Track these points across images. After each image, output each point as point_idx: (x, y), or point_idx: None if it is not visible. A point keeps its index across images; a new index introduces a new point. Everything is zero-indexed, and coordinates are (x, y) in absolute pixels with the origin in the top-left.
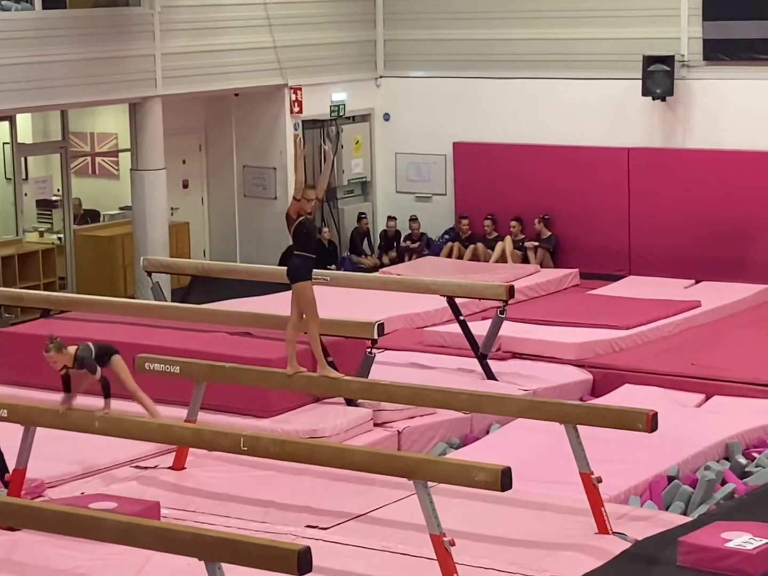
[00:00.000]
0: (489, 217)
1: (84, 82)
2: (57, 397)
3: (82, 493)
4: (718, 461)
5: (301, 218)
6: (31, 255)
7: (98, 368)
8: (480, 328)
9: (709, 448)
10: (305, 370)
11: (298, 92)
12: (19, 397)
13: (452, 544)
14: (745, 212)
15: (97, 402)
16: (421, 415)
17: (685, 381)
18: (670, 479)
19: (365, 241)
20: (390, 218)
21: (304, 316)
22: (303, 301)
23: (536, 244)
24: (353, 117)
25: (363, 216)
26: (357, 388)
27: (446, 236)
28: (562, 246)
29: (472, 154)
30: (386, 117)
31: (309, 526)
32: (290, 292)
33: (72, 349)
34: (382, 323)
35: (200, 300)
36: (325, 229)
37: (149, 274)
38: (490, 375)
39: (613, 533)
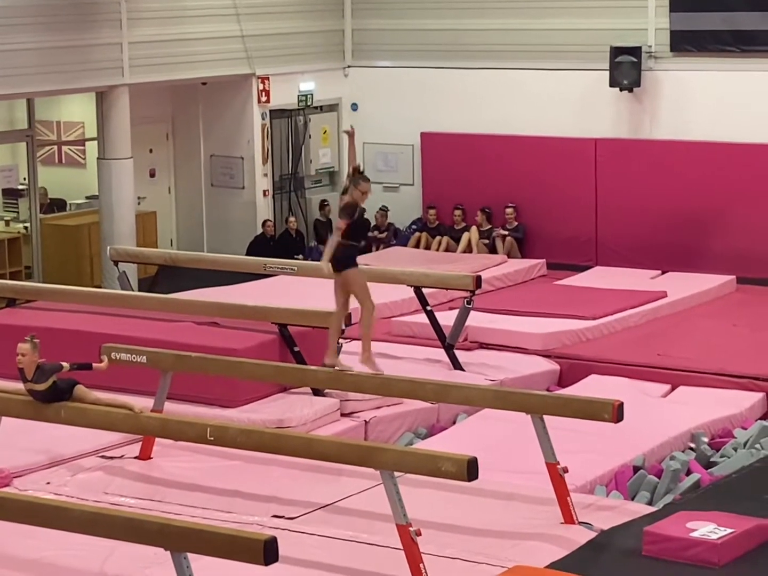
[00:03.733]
0: (458, 207)
1: (50, 70)
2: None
3: (48, 483)
4: (683, 451)
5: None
6: None
7: (64, 364)
8: (447, 319)
9: (675, 438)
10: (342, 366)
11: (266, 82)
12: None
13: (418, 534)
14: (712, 203)
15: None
16: (388, 405)
17: (651, 371)
18: (636, 469)
19: (331, 229)
20: None
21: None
22: (355, 287)
23: (506, 233)
24: (321, 107)
25: (326, 204)
26: (324, 377)
27: (414, 226)
28: (530, 236)
29: (440, 145)
30: (354, 107)
31: (275, 516)
32: (256, 282)
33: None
34: (350, 313)
35: (167, 290)
36: (292, 219)
37: (116, 263)
38: (457, 365)
39: (579, 523)
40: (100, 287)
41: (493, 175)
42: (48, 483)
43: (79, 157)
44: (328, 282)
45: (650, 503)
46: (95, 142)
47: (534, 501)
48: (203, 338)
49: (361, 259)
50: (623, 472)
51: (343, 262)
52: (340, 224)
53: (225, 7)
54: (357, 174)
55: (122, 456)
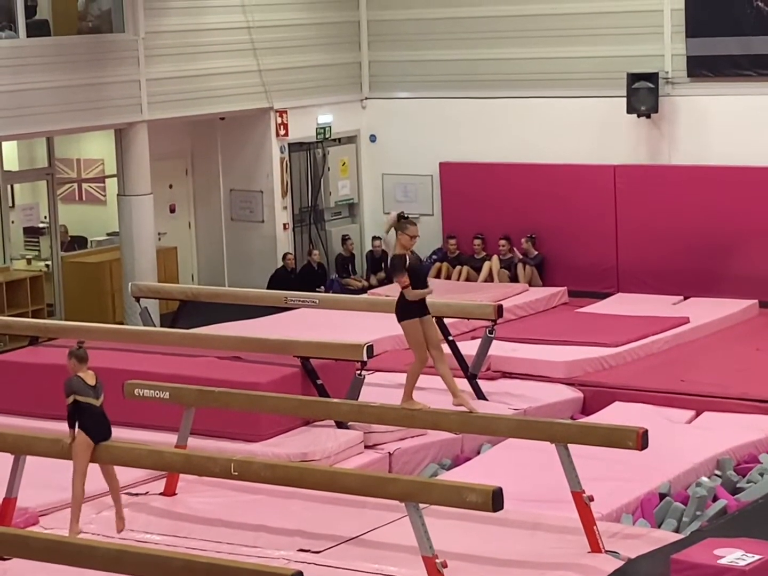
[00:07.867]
0: (478, 236)
1: (69, 108)
2: (46, 425)
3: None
4: (709, 477)
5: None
6: (19, 282)
7: (72, 395)
8: (469, 348)
9: (700, 464)
10: (421, 406)
11: (284, 115)
12: (8, 426)
13: (444, 565)
14: (732, 228)
15: None
16: (412, 437)
17: (675, 397)
18: (662, 496)
19: (353, 263)
20: (375, 238)
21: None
22: (408, 339)
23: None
24: (339, 139)
25: (347, 238)
26: (347, 410)
27: (434, 256)
28: (550, 264)
29: (459, 174)
30: (372, 138)
31: (301, 550)
32: (278, 315)
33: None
34: (371, 345)
35: (189, 325)
36: (315, 252)
37: (137, 299)
38: (480, 395)
39: (606, 552)
40: (122, 324)
41: (513, 204)
42: None
43: (100, 194)
44: (349, 314)
45: (677, 531)
46: (115, 179)
47: (560, 530)
48: (226, 373)
49: (381, 290)
50: (649, 500)
51: (399, 313)
52: (401, 281)
53: (242, 42)
54: (402, 219)
55: (147, 492)
